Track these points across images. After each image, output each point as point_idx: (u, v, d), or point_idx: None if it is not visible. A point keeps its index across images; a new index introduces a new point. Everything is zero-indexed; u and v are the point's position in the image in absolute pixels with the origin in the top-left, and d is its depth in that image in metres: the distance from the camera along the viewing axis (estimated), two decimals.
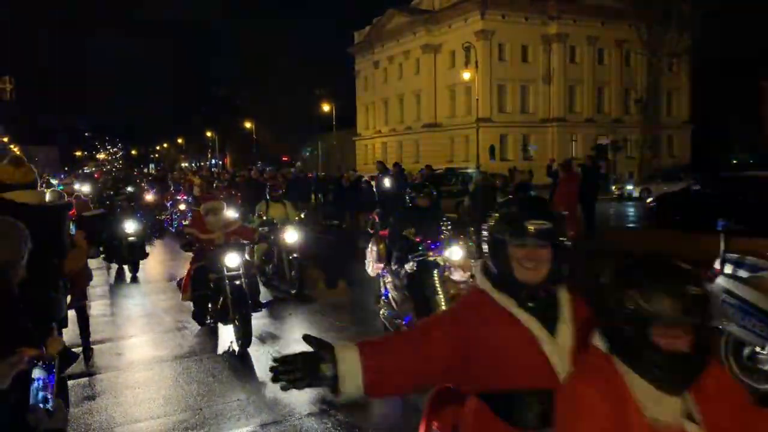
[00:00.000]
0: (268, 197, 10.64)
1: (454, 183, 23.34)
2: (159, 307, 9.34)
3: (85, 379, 6.06)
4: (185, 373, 6.22)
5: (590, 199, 13.23)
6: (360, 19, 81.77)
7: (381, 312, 6.78)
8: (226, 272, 6.71)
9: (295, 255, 9.67)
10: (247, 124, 68.96)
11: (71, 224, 7.14)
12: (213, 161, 79.26)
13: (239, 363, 6.40)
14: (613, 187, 32.56)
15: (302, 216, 10.61)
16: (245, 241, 7.55)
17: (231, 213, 12.37)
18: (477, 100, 42.30)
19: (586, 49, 51.35)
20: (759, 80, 56.86)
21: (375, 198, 17.26)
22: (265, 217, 10.15)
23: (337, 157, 58.84)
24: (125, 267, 11.94)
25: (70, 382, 5.66)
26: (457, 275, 5.81)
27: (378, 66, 61.42)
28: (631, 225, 19.22)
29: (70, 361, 3.33)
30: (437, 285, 5.83)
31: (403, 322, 6.12)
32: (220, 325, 7.28)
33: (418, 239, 5.97)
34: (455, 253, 5.93)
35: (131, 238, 11.54)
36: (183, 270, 12.53)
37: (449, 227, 6.33)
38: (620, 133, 47.31)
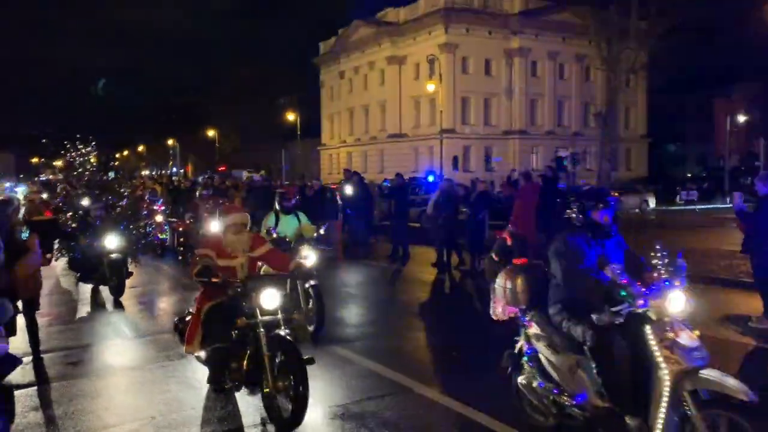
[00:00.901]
0: (277, 207, 8.30)
1: (418, 192, 23.41)
2: (118, 316, 9.14)
3: (33, 389, 5.88)
4: (140, 382, 6.09)
5: (551, 208, 13.45)
6: (326, 29, 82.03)
7: (521, 379, 4.66)
8: (260, 317, 4.78)
9: (313, 282, 7.66)
10: (210, 133, 68.30)
11: (24, 228, 6.92)
12: (174, 169, 78.15)
13: (196, 372, 6.28)
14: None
15: (321, 232, 8.51)
16: (280, 273, 5.61)
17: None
18: (441, 111, 42.69)
19: (547, 63, 52.33)
20: (713, 100, 58.79)
21: (338, 208, 17.30)
22: (275, 234, 7.70)
23: (302, 166, 58.62)
24: (103, 288, 10.22)
25: (17, 392, 5.50)
26: (685, 338, 3.69)
27: (343, 76, 61.51)
28: None
29: (10, 367, 3.22)
30: (657, 353, 3.70)
31: (574, 402, 4.18)
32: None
33: (624, 281, 3.80)
34: (677, 301, 3.76)
35: (113, 255, 9.65)
36: (151, 279, 12.06)
37: (665, 257, 3.87)
38: (580, 146, 48.26)
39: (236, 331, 4.93)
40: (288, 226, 8.15)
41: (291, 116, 56.79)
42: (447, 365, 6.68)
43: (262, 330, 4.75)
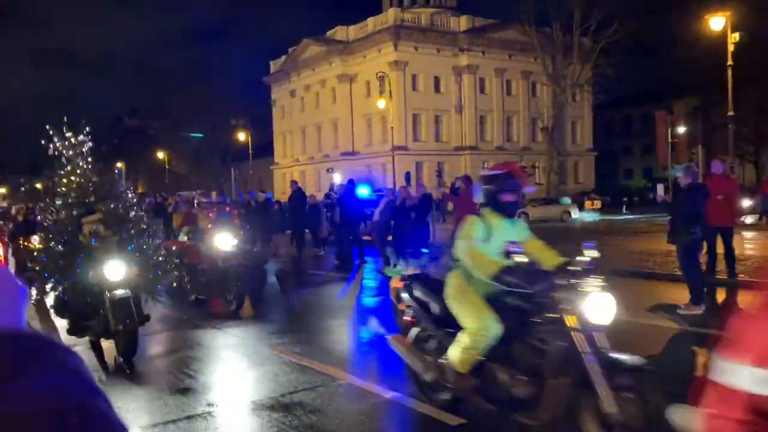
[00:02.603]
0: (484, 203, 4.35)
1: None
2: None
3: None
4: None
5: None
6: (276, 48, 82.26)
7: None
8: None
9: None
10: (160, 154, 67.23)
11: None
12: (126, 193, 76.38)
13: None
14: None
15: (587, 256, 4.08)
16: None
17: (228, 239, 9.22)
18: (392, 128, 43.04)
19: (494, 80, 53.46)
20: (654, 112, 60.95)
21: (284, 218, 17.23)
22: (518, 254, 4.04)
23: (255, 186, 58.15)
24: (104, 344, 6.72)
25: None
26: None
27: (295, 95, 61.54)
28: None
29: None
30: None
31: None
32: None
33: None
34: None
35: (119, 292, 6.21)
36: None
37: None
38: (529, 161, 49.27)
39: None
40: (524, 242, 4.33)
41: (242, 136, 56.37)
42: (376, 358, 6.67)
43: None
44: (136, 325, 6.34)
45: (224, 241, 9.37)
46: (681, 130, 49.22)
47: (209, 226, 10.20)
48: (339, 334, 7.95)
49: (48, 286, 6.58)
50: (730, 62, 20.59)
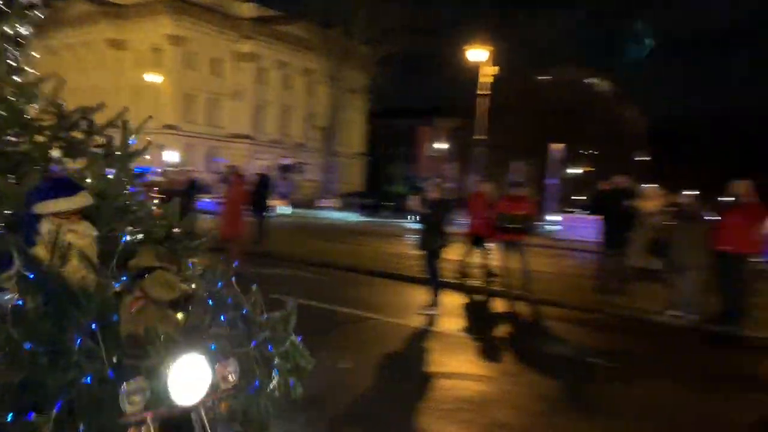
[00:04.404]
0: None
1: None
2: None
3: None
4: None
5: (261, 206, 13.84)
6: None
7: None
8: None
9: None
10: None
11: None
12: None
13: None
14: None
15: None
16: None
17: None
18: (164, 105, 40.82)
19: (275, 72, 53.49)
20: (419, 126, 66.61)
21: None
22: None
23: None
24: None
25: None
26: None
27: (55, 53, 55.00)
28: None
29: None
30: None
31: None
32: None
33: None
34: None
35: None
36: None
37: None
38: (303, 157, 50.30)
39: None
40: None
41: None
42: None
43: None
44: None
45: None
46: (441, 146, 54.24)
47: None
48: None
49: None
50: (482, 92, 23.31)
